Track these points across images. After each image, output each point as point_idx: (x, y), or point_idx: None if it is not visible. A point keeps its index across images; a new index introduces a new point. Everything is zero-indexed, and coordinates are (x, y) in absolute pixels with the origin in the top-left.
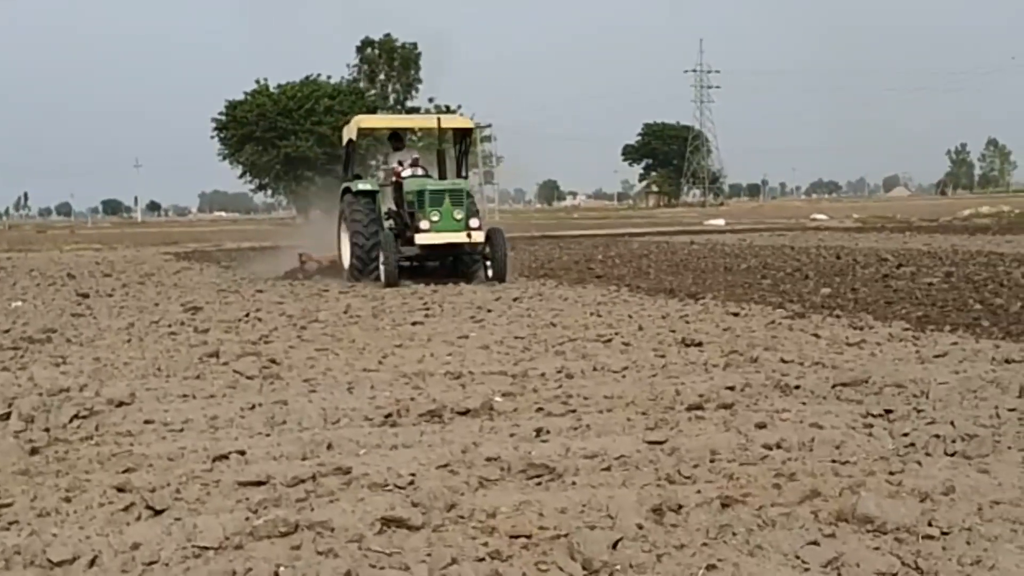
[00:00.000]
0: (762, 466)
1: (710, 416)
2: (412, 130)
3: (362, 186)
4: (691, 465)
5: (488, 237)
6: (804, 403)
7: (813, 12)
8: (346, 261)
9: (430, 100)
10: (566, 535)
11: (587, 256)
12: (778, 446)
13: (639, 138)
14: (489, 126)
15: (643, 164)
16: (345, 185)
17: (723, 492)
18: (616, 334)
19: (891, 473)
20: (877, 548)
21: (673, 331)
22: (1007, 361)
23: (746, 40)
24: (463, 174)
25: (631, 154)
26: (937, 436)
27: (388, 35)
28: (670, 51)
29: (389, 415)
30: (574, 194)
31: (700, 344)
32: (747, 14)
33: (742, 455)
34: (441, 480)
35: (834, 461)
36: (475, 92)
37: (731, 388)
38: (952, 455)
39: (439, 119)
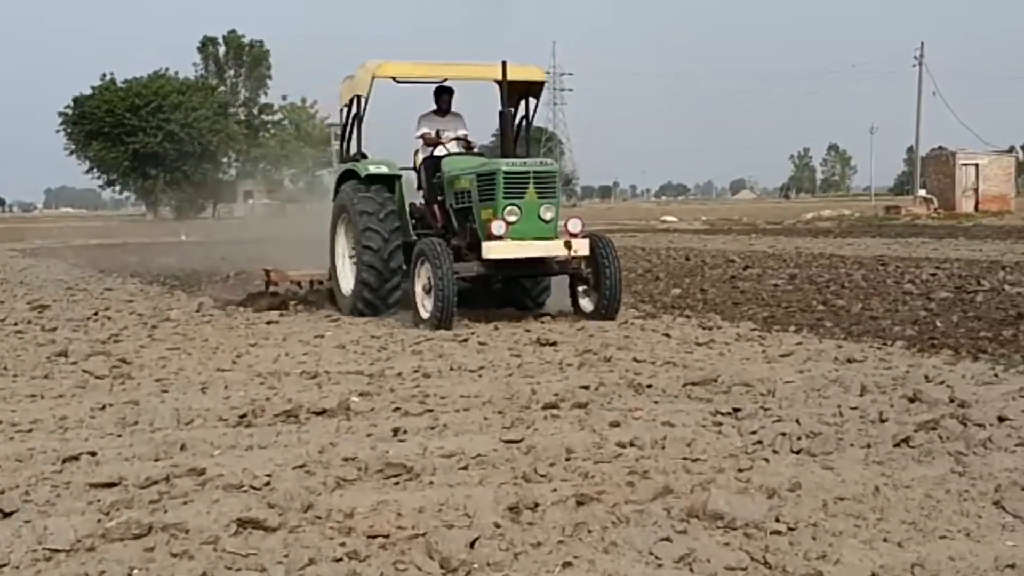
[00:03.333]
0: (616, 464)
1: (565, 415)
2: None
3: (375, 168)
4: (547, 464)
5: (591, 248)
6: (656, 402)
7: (664, 15)
8: (346, 283)
9: (284, 98)
10: (424, 534)
11: None
12: (632, 444)
13: (492, 139)
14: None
15: None
16: (347, 167)
17: (578, 490)
18: (472, 334)
19: (740, 470)
20: (727, 544)
21: (528, 331)
22: (849, 361)
23: (598, 42)
24: (524, 150)
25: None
26: (784, 434)
27: (233, 31)
28: (526, 52)
29: (244, 415)
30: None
31: (555, 344)
32: (599, 16)
33: (597, 453)
34: (298, 480)
35: (685, 459)
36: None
37: (586, 387)
38: (798, 452)
39: (504, 65)
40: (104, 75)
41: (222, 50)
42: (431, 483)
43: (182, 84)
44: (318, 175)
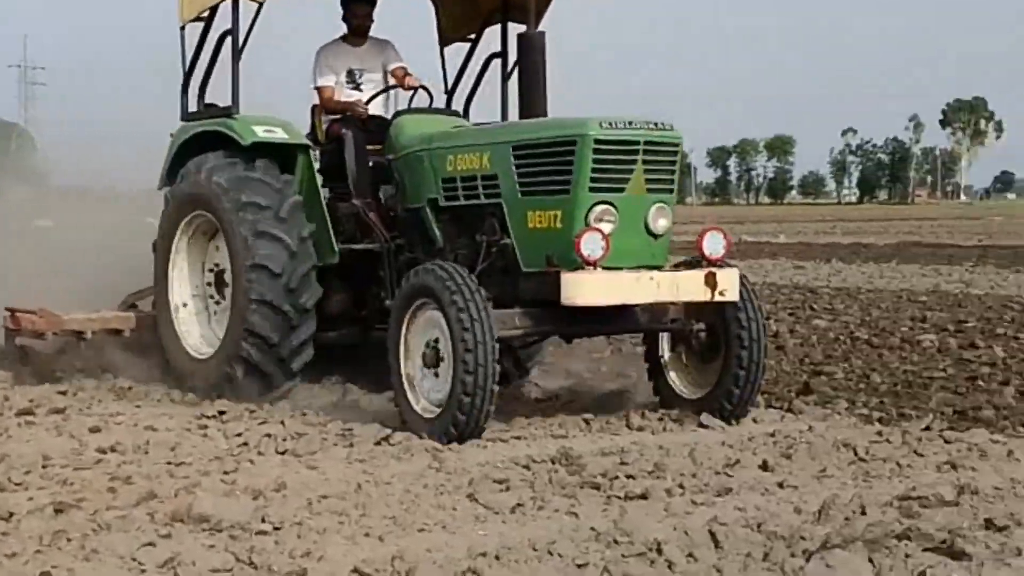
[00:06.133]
0: (97, 470)
1: (41, 421)
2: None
3: (266, 132)
4: (22, 471)
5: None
6: (139, 406)
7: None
8: (193, 334)
9: None
10: None
11: None
12: (113, 450)
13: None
14: None
15: None
16: (203, 127)
17: (56, 498)
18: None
19: (226, 472)
20: (213, 546)
21: None
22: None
23: (78, 37)
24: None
25: None
26: (269, 435)
27: None
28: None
29: None
30: None
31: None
32: (79, 10)
33: (76, 460)
34: None
35: (170, 463)
36: None
37: (63, 393)
38: (283, 453)
39: None
40: None
41: None
42: None
43: None
44: None
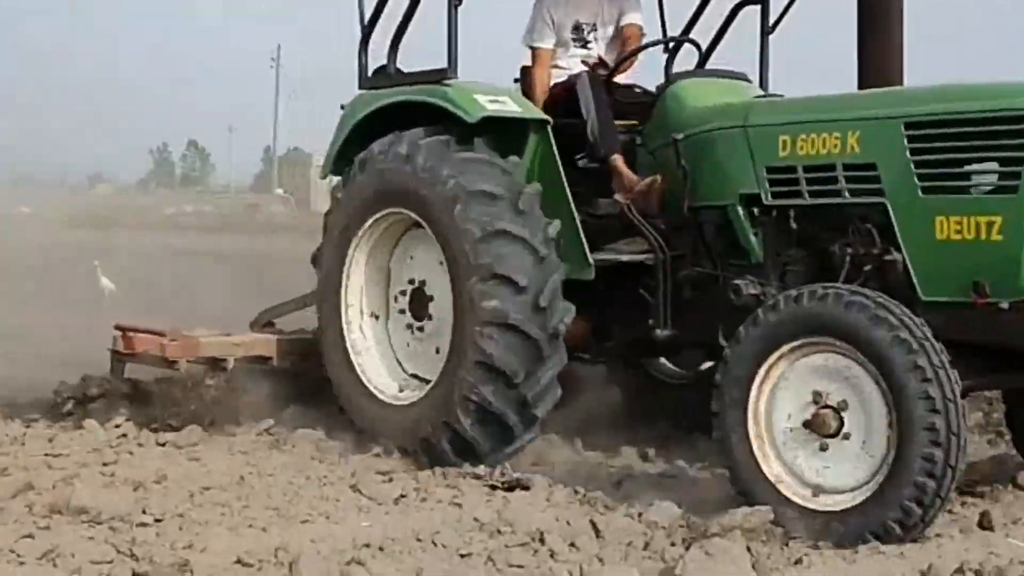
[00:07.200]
0: None
1: None
2: None
3: (494, 105)
4: None
5: None
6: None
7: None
8: (374, 377)
9: None
10: None
11: None
12: None
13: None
14: None
15: None
16: (398, 98)
17: None
18: None
19: (105, 464)
20: (92, 538)
21: None
22: None
23: None
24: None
25: None
26: (149, 428)
27: None
28: None
29: None
30: None
31: None
32: None
33: None
34: None
35: (47, 455)
36: None
37: None
38: (163, 445)
39: None
40: None
41: None
42: None
43: None
44: None
